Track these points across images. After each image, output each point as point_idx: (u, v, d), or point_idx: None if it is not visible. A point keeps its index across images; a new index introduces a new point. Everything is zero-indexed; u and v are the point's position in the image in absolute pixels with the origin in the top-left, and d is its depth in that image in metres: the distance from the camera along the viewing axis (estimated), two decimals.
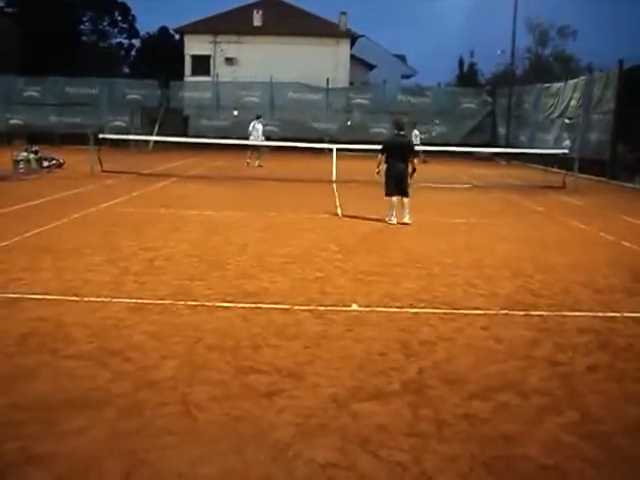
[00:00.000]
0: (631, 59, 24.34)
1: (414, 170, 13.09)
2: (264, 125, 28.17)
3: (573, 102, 28.52)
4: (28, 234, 10.67)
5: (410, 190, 13.05)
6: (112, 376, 5.10)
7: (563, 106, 29.54)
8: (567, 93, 29.29)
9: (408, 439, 4.24)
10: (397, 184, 12.90)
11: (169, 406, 4.62)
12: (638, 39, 62.07)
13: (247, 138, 26.59)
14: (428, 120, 34.63)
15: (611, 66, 25.36)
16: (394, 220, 12.88)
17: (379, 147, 13.51)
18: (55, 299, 7.12)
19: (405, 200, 12.94)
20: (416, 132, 31.86)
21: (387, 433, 4.31)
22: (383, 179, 13.18)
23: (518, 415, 4.65)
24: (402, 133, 13.25)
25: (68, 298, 7.16)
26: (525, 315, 7.07)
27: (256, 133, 26.63)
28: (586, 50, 66.68)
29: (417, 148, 28.71)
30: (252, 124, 26.93)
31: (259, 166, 25.61)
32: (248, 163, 25.91)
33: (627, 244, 11.42)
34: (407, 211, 12.93)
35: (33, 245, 9.89)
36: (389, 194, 13.03)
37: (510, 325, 6.73)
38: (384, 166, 13.13)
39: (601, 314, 7.21)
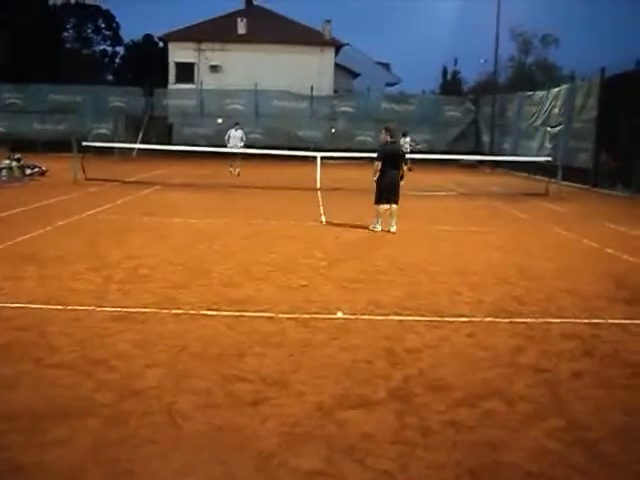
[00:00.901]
0: (613, 67, 24.52)
1: (401, 177, 13.07)
2: (245, 132, 27.79)
3: (555, 110, 28.70)
4: (11, 242, 10.58)
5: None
6: (96, 385, 5.06)
7: (546, 114, 29.74)
8: (550, 101, 29.49)
9: (394, 447, 4.24)
10: (390, 192, 12.82)
11: (153, 415, 4.58)
12: (619, 47, 62.63)
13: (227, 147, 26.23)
14: (413, 129, 34.57)
15: (593, 74, 25.56)
16: (379, 227, 12.89)
17: (374, 155, 13.31)
18: (38, 308, 7.06)
19: (394, 208, 12.90)
20: (407, 140, 32.02)
21: (373, 441, 4.30)
22: (375, 187, 13.06)
23: (504, 422, 4.65)
24: (394, 140, 13.18)
25: (51, 307, 7.10)
26: (510, 322, 7.08)
27: (233, 141, 26.13)
28: (568, 58, 67.43)
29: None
30: (228, 133, 26.39)
31: (237, 175, 25.07)
32: (231, 172, 25.59)
33: (610, 251, 11.49)
34: (395, 220, 12.90)
35: (16, 253, 9.81)
36: (380, 202, 12.94)
37: (495, 332, 6.75)
38: (378, 173, 12.97)
39: (585, 321, 7.24)
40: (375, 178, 13.10)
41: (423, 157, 26.99)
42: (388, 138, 13.17)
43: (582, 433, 4.52)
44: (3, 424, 4.39)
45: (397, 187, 12.94)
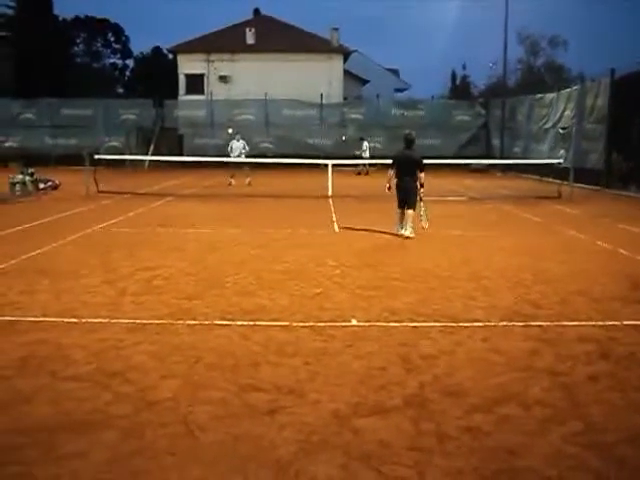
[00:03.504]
0: (622, 68, 24.43)
1: (421, 185, 13.12)
2: (255, 141, 27.74)
3: (567, 112, 28.61)
4: (25, 256, 10.65)
5: (418, 206, 13.11)
6: (112, 397, 5.07)
7: (556, 116, 29.65)
8: (560, 103, 29.41)
9: (411, 454, 4.23)
10: (404, 197, 13.06)
11: (170, 426, 4.59)
12: (627, 48, 62.38)
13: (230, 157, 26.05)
14: (423, 134, 34.64)
15: (602, 75, 25.47)
16: (402, 231, 13.03)
17: (386, 161, 13.57)
18: (53, 321, 7.10)
19: (410, 212, 13.01)
20: (366, 144, 33.31)
21: (389, 448, 4.29)
22: (395, 192, 13.30)
23: (520, 427, 4.63)
24: (410, 147, 13.29)
25: (66, 320, 7.13)
26: (525, 326, 7.05)
27: (236, 152, 25.96)
28: (576, 60, 67.24)
29: (366, 161, 30.84)
30: (230, 144, 26.38)
31: (248, 184, 24.89)
32: (231, 183, 25.24)
33: (624, 252, 11.43)
34: (410, 224, 12.97)
35: (30, 267, 9.87)
36: (398, 206, 13.22)
37: (510, 336, 6.72)
38: (394, 181, 13.25)
39: (600, 323, 7.20)
40: (388, 186, 13.42)
41: (433, 162, 27.07)
42: (403, 145, 13.41)
43: (599, 436, 4.49)
44: (20, 438, 4.41)
45: (411, 193, 13.04)
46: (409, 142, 13.30)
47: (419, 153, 13.42)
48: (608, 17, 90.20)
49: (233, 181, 25.30)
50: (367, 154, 32.64)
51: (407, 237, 12.84)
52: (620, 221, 15.40)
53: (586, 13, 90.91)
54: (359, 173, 31.62)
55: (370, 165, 30.98)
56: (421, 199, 13.13)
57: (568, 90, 29.15)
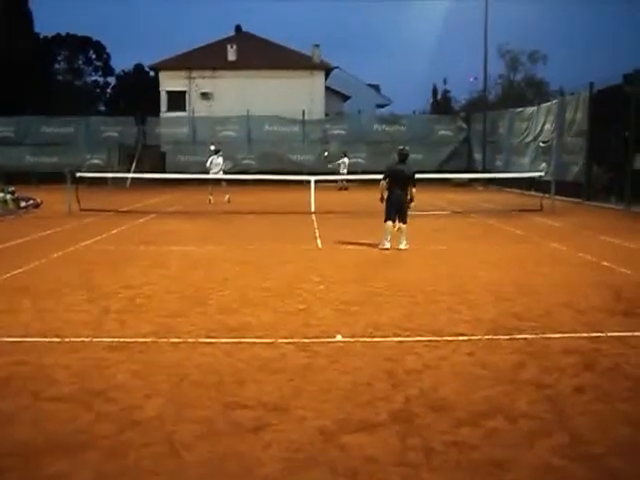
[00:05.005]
0: (601, 82, 24.71)
1: (411, 199, 13.36)
2: (237, 158, 27.63)
3: (547, 126, 28.86)
4: (6, 275, 10.55)
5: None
6: (95, 417, 5.01)
7: (537, 130, 29.91)
8: (540, 117, 29.68)
9: (398, 469, 4.20)
10: (396, 210, 13.25)
11: (154, 446, 4.54)
12: (605, 62, 63.21)
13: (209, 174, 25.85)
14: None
15: (581, 89, 25.76)
16: (387, 245, 13.18)
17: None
18: (35, 341, 7.02)
19: (403, 226, 13.27)
20: (345, 160, 33.98)
21: (376, 464, 4.26)
22: (384, 205, 13.46)
23: (507, 440, 4.62)
24: (404, 162, 13.46)
25: (48, 339, 7.05)
26: (509, 339, 7.06)
27: (216, 168, 25.79)
28: (555, 74, 68.02)
29: (343, 177, 31.27)
30: (210, 159, 26.10)
31: (227, 201, 24.56)
32: (210, 200, 24.78)
33: (606, 263, 11.50)
34: (404, 237, 13.25)
35: (12, 286, 9.78)
36: (386, 220, 13.32)
37: (495, 350, 6.72)
38: (386, 193, 13.42)
39: (585, 335, 7.22)
40: (380, 197, 13.55)
41: (416, 177, 27.14)
42: (397, 159, 13.62)
43: (586, 448, 4.49)
44: (3, 460, 4.34)
45: (402, 206, 13.29)
46: (403, 157, 13.51)
47: (412, 168, 13.59)
48: (585, 32, 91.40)
49: (212, 198, 25.01)
50: (345, 170, 32.94)
51: (401, 249, 13.08)
52: (601, 233, 15.51)
53: (565, 28, 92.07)
54: (340, 189, 31.74)
55: (348, 181, 31.21)
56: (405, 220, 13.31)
57: (548, 104, 29.45)
